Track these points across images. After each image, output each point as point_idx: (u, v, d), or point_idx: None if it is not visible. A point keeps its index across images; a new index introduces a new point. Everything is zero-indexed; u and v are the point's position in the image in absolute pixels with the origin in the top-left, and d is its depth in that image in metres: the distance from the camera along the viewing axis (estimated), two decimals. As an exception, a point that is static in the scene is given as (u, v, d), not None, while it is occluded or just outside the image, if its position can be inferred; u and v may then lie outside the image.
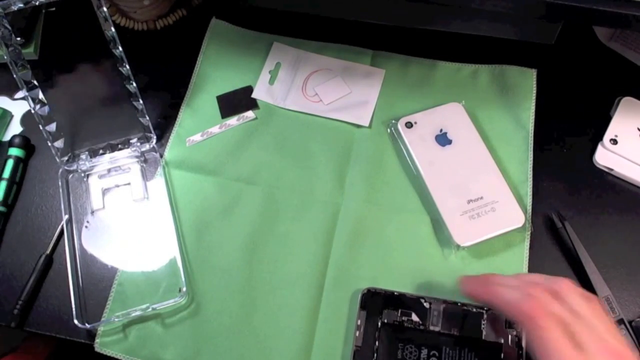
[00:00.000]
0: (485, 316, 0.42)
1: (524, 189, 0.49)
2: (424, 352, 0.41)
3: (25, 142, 0.52)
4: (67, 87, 0.56)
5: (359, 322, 0.42)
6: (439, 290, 0.45)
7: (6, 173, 0.50)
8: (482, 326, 0.42)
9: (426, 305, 0.43)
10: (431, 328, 0.42)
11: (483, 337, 0.42)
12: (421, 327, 0.42)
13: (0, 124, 0.54)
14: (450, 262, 0.46)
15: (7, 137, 0.53)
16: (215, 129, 0.53)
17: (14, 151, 0.51)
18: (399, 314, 0.42)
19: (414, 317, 0.42)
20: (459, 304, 0.43)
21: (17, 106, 0.56)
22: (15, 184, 0.50)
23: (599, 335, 0.34)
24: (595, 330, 0.34)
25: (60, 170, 0.50)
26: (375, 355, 0.41)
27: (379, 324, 0.42)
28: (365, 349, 0.41)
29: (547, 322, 0.34)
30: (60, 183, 0.50)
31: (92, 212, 0.49)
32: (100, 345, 0.44)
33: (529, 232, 0.47)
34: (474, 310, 0.43)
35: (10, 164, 0.50)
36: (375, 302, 0.43)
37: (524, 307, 0.35)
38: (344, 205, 0.49)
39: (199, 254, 0.47)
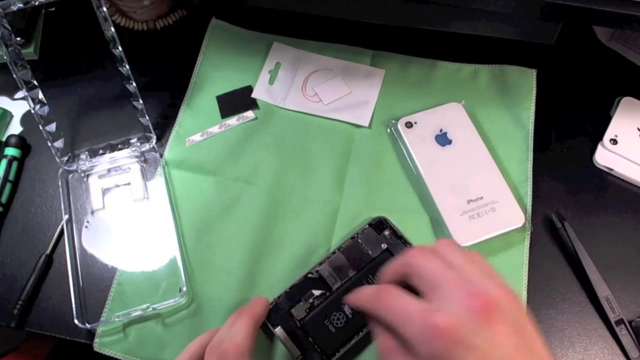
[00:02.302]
0: (359, 240, 0.46)
1: (524, 189, 0.49)
2: (346, 308, 0.43)
3: (21, 141, 0.52)
4: (67, 87, 0.55)
5: (282, 338, 0.42)
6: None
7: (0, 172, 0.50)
8: (364, 249, 0.45)
9: (315, 275, 0.44)
10: (335, 287, 0.44)
11: (372, 256, 0.45)
12: (327, 294, 0.43)
13: (0, 124, 0.54)
14: (450, 262, 0.46)
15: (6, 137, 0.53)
16: (215, 129, 0.53)
17: (9, 151, 0.51)
18: (304, 302, 0.43)
19: (316, 292, 0.43)
20: (335, 252, 0.45)
21: (17, 106, 0.56)
22: (10, 183, 0.50)
23: (464, 280, 0.30)
24: (462, 276, 0.31)
25: (60, 170, 0.50)
26: (318, 348, 0.41)
27: (298, 324, 0.42)
28: (309, 352, 0.41)
29: (382, 298, 0.32)
30: (60, 183, 0.50)
31: (92, 212, 0.49)
32: (99, 345, 0.44)
33: (529, 232, 0.47)
34: (348, 243, 0.45)
35: (4, 163, 0.50)
36: (278, 312, 0.43)
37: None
38: (343, 205, 0.49)
39: (199, 254, 0.47)
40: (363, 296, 0.34)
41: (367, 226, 0.46)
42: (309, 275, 0.44)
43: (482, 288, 0.29)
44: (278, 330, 0.42)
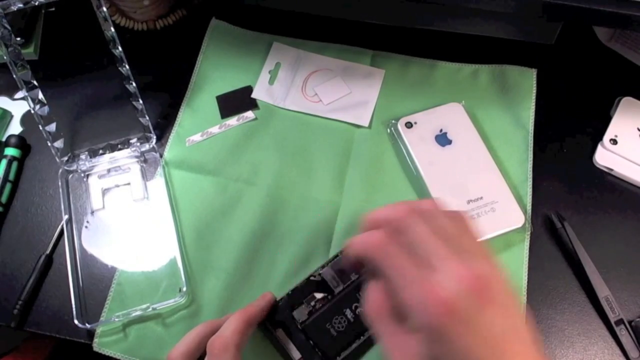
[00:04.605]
0: None
1: (523, 188, 0.49)
2: (348, 312, 0.42)
3: (21, 141, 0.52)
4: (67, 87, 0.55)
5: (283, 341, 0.41)
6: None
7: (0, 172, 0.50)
8: None
9: (318, 278, 0.44)
10: (337, 290, 0.43)
11: None
12: (329, 297, 0.43)
13: (0, 124, 0.54)
14: (450, 262, 0.46)
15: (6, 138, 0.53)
16: (215, 129, 0.53)
17: (9, 151, 0.51)
18: (305, 304, 0.43)
19: (318, 295, 0.43)
20: (338, 255, 0.44)
21: (17, 106, 0.56)
22: (10, 183, 0.50)
23: (458, 254, 0.29)
24: (455, 249, 0.30)
25: (60, 171, 0.50)
26: (319, 351, 0.41)
27: (299, 327, 0.42)
28: (309, 355, 0.41)
29: (388, 248, 0.30)
30: (60, 183, 0.50)
31: (92, 212, 0.49)
32: (99, 345, 0.44)
33: (529, 233, 0.47)
34: None
35: (3, 163, 0.50)
36: (279, 313, 0.42)
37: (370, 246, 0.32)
38: (344, 205, 0.49)
39: (199, 254, 0.47)
40: (370, 240, 0.32)
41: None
42: (312, 277, 0.44)
43: (477, 267, 0.29)
44: (279, 333, 0.42)
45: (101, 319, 0.45)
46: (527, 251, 0.46)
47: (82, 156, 0.51)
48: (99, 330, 0.44)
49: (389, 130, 0.52)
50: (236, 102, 0.54)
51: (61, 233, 0.48)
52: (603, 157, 0.51)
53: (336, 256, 0.45)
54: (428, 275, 0.28)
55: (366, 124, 0.52)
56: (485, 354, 0.28)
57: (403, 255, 0.30)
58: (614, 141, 0.51)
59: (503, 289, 0.30)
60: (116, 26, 0.53)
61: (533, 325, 0.32)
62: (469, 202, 0.47)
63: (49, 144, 0.48)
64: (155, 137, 0.52)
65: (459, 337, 0.27)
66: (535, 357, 0.29)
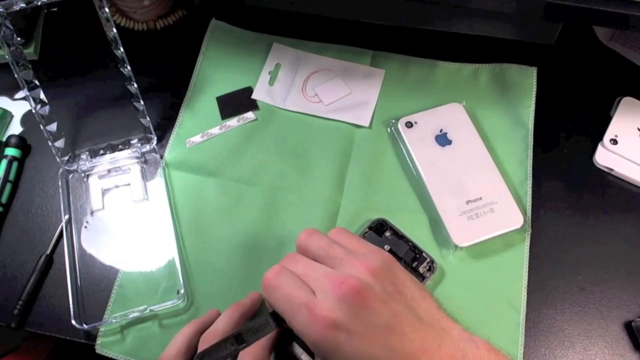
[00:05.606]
0: None
1: (523, 188, 0.49)
2: None
3: (22, 142, 0.52)
4: (68, 88, 0.55)
5: (300, 355, 0.40)
6: (436, 290, 0.45)
7: (0, 172, 0.50)
8: None
9: None
10: None
11: None
12: None
13: (0, 124, 0.54)
14: (448, 263, 0.46)
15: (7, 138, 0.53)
16: (215, 130, 0.53)
17: (10, 151, 0.51)
18: None
19: None
20: None
21: (18, 106, 0.56)
22: (10, 183, 0.50)
23: (330, 273, 0.33)
24: (328, 267, 0.34)
25: (61, 170, 0.50)
26: None
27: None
28: None
29: (277, 280, 0.34)
30: (60, 183, 0.50)
31: (92, 213, 0.49)
32: (101, 346, 0.44)
33: (529, 233, 0.47)
34: None
35: (4, 163, 0.50)
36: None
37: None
38: (344, 205, 0.49)
39: (199, 255, 0.47)
40: (263, 281, 0.35)
41: (367, 230, 0.46)
42: None
43: (346, 274, 0.32)
44: (295, 347, 0.40)
45: (103, 319, 0.44)
46: (527, 251, 0.46)
47: (83, 156, 0.51)
48: (102, 330, 0.44)
49: (389, 130, 0.52)
50: (236, 103, 0.54)
51: (61, 233, 0.48)
52: (603, 157, 0.50)
53: None
54: (310, 301, 0.31)
55: (366, 124, 0.52)
56: (374, 350, 0.30)
57: (288, 290, 0.33)
58: (614, 141, 0.51)
59: (380, 279, 0.32)
60: (116, 26, 0.53)
61: (433, 297, 0.34)
62: (468, 202, 0.47)
63: (50, 144, 0.48)
64: (156, 138, 0.52)
65: (346, 344, 0.30)
66: (426, 331, 0.31)
